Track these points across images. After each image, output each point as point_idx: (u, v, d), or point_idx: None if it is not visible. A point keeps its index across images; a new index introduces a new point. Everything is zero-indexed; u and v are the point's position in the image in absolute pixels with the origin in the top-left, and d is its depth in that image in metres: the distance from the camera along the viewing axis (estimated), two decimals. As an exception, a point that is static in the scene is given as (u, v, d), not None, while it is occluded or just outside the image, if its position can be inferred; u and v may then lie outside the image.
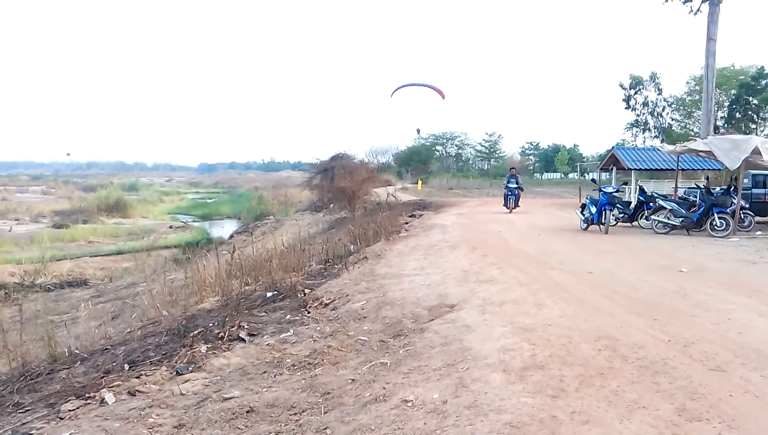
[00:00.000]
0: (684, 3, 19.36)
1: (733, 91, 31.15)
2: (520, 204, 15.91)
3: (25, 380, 3.79)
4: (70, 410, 3.14)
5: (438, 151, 53.87)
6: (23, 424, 3.07)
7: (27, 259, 16.16)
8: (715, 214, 9.68)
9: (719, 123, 29.00)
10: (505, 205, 15.92)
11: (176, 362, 3.80)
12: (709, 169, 17.10)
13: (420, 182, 32.92)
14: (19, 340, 4.32)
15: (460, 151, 56.19)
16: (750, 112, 30.79)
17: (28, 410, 3.29)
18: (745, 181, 11.41)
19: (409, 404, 2.76)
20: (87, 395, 3.34)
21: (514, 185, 15.85)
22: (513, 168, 17.97)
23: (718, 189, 11.79)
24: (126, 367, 3.87)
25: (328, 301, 5.65)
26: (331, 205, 20.82)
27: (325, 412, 2.88)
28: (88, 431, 2.81)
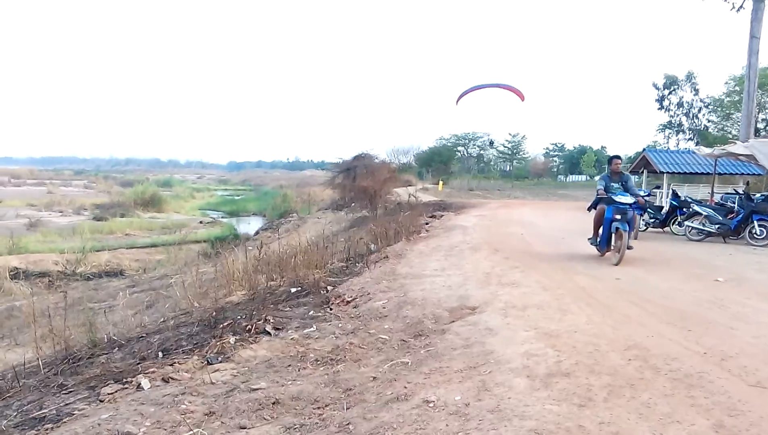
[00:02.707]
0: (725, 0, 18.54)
1: (778, 92, 29.54)
2: (633, 239, 7.78)
3: (68, 363, 4.03)
4: (109, 393, 3.33)
5: (459, 152, 53.46)
6: (67, 404, 3.27)
7: (69, 249, 17.06)
8: (755, 222, 9.25)
9: (760, 125, 27.56)
10: (600, 243, 7.23)
11: (207, 352, 3.96)
12: (748, 174, 16.33)
13: (441, 183, 32.74)
14: (62, 326, 4.59)
15: (482, 151, 55.61)
16: (796, 115, 29.14)
17: (71, 392, 3.50)
18: (789, 187, 10.86)
19: (431, 405, 2.79)
20: (124, 380, 3.53)
21: (626, 198, 6.91)
22: (617, 158, 7.68)
23: (758, 195, 11.24)
24: (160, 354, 4.06)
25: (349, 299, 5.73)
26: (353, 204, 20.97)
27: (347, 408, 2.94)
28: (125, 414, 2.97)
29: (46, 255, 17.04)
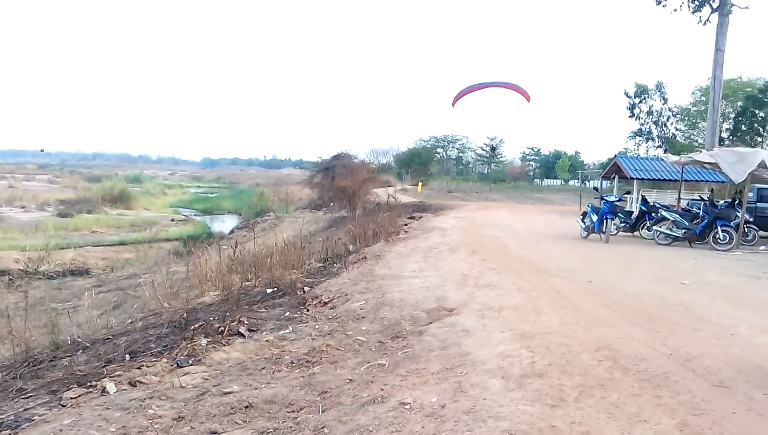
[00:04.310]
0: (693, 13, 19.43)
1: (740, 103, 31.08)
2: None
3: (29, 366, 3.84)
4: (71, 398, 3.18)
5: (438, 154, 53.92)
6: (26, 409, 3.11)
7: (31, 246, 16.28)
8: (719, 227, 9.67)
9: (724, 135, 28.95)
10: None
11: (177, 355, 3.84)
12: (713, 181, 17.09)
13: (420, 184, 32.91)
14: (22, 327, 4.37)
15: (460, 154, 56.25)
16: (756, 125, 30.66)
17: (31, 396, 3.33)
18: (750, 194, 11.41)
19: (407, 407, 2.78)
20: (88, 384, 3.39)
21: None
22: None
23: (722, 201, 11.79)
24: (127, 357, 3.91)
25: (327, 300, 5.68)
26: (331, 204, 20.85)
27: (322, 411, 2.90)
28: (89, 419, 2.85)
29: (6, 252, 16.21)
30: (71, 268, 15.54)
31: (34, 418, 2.98)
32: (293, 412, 2.94)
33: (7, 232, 20.38)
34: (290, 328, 4.55)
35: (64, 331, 4.85)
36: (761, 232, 11.07)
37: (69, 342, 4.46)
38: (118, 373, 3.55)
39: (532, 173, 55.44)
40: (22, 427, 2.89)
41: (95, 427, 2.74)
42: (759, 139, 30.46)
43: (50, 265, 15.02)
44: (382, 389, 3.08)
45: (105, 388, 3.30)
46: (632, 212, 12.62)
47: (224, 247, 9.89)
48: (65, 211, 27.12)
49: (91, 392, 3.29)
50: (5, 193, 33.17)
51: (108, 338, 4.58)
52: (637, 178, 18.39)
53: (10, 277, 13.04)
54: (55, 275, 14.35)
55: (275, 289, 6.19)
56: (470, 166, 57.71)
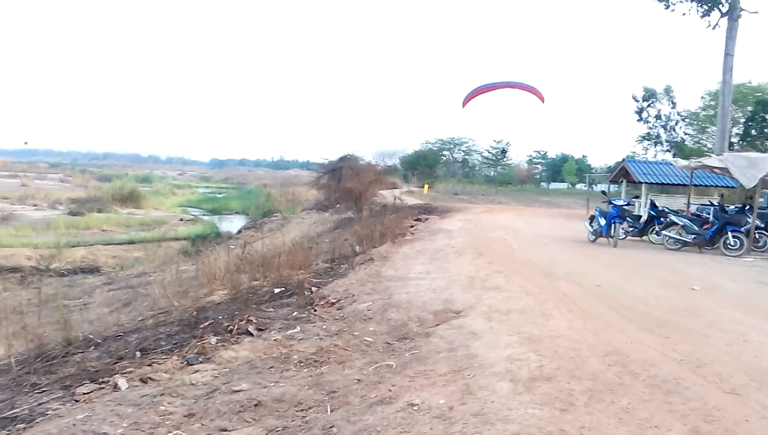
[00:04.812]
0: (702, 17, 19.25)
1: (750, 108, 30.72)
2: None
3: (42, 362, 3.90)
4: (84, 393, 3.23)
5: (445, 156, 53.89)
6: (40, 404, 3.17)
7: (43, 244, 16.51)
8: (729, 233, 9.55)
9: (734, 139, 28.63)
10: None
11: (187, 352, 3.89)
12: (723, 187, 16.89)
13: (426, 186, 32.87)
14: (35, 323, 4.45)
15: (466, 156, 56.19)
16: (766, 130, 30.29)
17: (45, 391, 3.39)
18: (761, 200, 11.28)
19: (415, 408, 2.79)
20: (101, 380, 3.44)
21: None
22: None
23: (732, 207, 11.65)
24: (138, 354, 3.97)
25: (334, 300, 5.71)
26: (338, 205, 20.91)
27: (331, 411, 2.92)
28: (102, 415, 2.89)
29: (18, 249, 16.45)
30: (82, 265, 15.73)
31: (48, 412, 3.04)
32: (302, 411, 2.97)
33: (20, 229, 20.66)
34: (298, 328, 4.59)
35: (76, 327, 4.92)
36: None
37: (81, 338, 4.53)
38: (130, 369, 3.60)
39: (538, 176, 55.22)
40: (37, 421, 2.94)
41: (108, 422, 2.79)
42: (769, 144, 30.08)
43: (62, 263, 15.21)
44: (390, 390, 3.10)
45: (117, 384, 3.35)
46: (641, 216, 12.51)
47: (232, 246, 9.98)
48: (76, 209, 27.43)
49: (103, 388, 3.34)
50: (18, 192, 33.66)
51: (119, 335, 4.64)
52: (646, 183, 18.22)
53: (23, 274, 13.23)
54: (67, 273, 14.51)
55: (283, 288, 6.23)
56: (476, 168, 57.59)
